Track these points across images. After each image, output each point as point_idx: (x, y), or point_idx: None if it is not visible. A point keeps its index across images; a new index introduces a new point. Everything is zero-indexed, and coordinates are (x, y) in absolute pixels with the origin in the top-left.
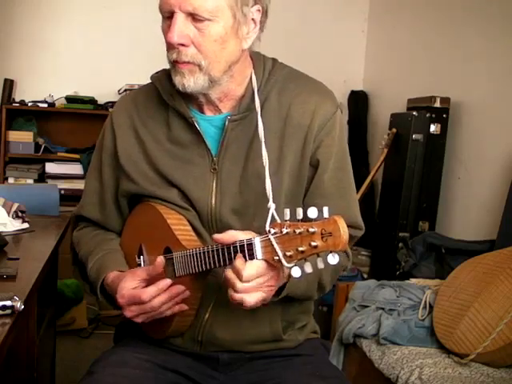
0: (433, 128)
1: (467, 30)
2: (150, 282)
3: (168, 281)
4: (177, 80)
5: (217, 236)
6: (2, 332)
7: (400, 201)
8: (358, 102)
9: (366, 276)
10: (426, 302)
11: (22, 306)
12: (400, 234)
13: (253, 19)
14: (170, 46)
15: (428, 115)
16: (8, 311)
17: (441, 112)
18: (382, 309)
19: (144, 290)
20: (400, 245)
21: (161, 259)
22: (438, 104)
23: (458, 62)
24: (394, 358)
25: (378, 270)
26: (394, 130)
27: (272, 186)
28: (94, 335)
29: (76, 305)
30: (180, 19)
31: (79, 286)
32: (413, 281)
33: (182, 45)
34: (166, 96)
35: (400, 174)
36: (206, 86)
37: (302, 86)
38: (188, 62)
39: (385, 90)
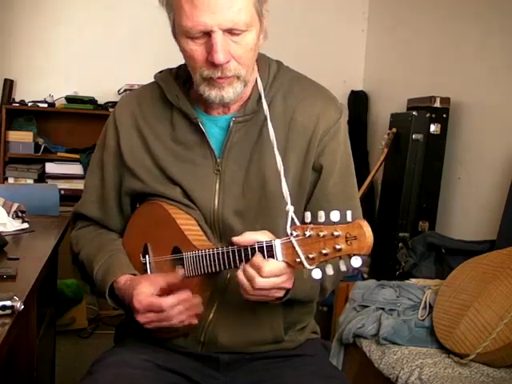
0: (433, 128)
1: (467, 29)
2: (164, 288)
3: (189, 293)
4: (213, 94)
5: (236, 239)
6: (2, 332)
7: (400, 201)
8: (358, 102)
9: (366, 276)
10: (426, 302)
11: (22, 306)
12: (400, 234)
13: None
14: (211, 65)
15: (428, 115)
16: (8, 311)
17: (441, 112)
18: (382, 309)
19: (164, 299)
20: (400, 245)
21: (181, 271)
22: (437, 104)
23: (458, 62)
24: (394, 357)
25: (378, 270)
26: (394, 129)
27: (276, 188)
28: (94, 335)
29: (76, 305)
30: (220, 37)
31: (79, 286)
32: (413, 281)
33: (226, 62)
34: (170, 96)
35: (400, 174)
36: (241, 92)
37: (308, 90)
38: (230, 76)
39: (385, 90)
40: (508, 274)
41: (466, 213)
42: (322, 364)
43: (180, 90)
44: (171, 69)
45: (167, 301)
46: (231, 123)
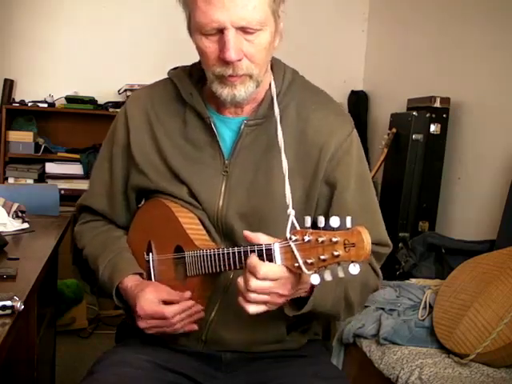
0: (433, 128)
1: (467, 29)
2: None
3: (191, 302)
4: (225, 92)
5: (247, 233)
6: (2, 332)
7: (400, 201)
8: (358, 102)
9: None
10: (426, 301)
11: (22, 306)
12: (400, 234)
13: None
14: (223, 63)
15: (428, 115)
16: (8, 311)
17: (441, 112)
18: (382, 309)
19: (167, 307)
20: (400, 245)
21: (188, 294)
22: (437, 104)
23: (458, 61)
24: (394, 358)
25: None
26: (394, 129)
27: (281, 195)
28: (94, 335)
29: (76, 305)
30: (232, 35)
31: (79, 285)
32: (413, 281)
33: (238, 60)
34: (185, 94)
35: (400, 174)
36: (253, 92)
37: (321, 102)
38: (242, 75)
39: (385, 90)
40: (508, 274)
41: (466, 213)
42: (323, 365)
43: (194, 88)
44: (185, 66)
45: (170, 309)
46: (242, 126)
